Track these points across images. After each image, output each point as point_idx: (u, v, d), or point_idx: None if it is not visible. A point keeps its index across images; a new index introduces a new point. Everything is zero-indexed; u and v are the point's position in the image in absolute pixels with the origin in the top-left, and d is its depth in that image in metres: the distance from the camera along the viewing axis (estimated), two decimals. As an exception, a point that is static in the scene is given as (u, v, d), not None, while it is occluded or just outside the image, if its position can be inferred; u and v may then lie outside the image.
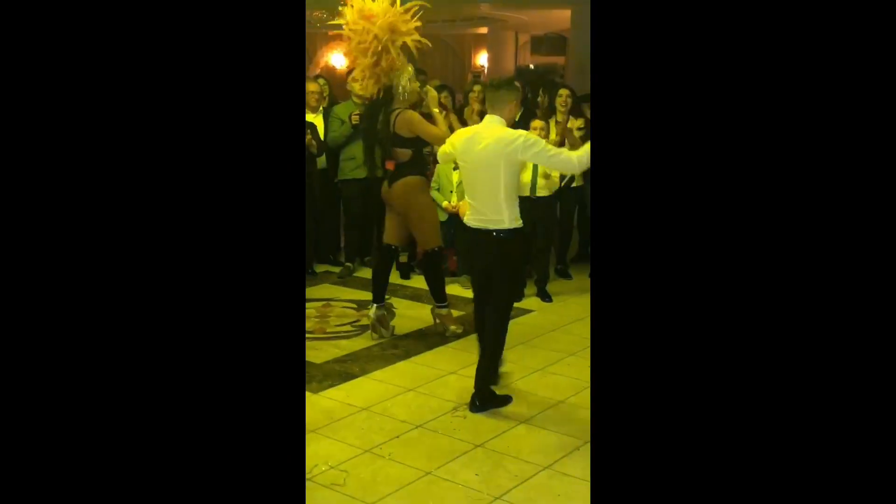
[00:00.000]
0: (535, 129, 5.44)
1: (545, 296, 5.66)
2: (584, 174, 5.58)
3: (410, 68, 4.61)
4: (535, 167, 5.32)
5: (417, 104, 4.78)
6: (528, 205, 5.43)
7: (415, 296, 5.60)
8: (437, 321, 4.93)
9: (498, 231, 3.62)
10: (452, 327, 4.85)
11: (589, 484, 2.72)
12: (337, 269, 6.35)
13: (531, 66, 15.05)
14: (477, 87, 6.21)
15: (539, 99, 6.64)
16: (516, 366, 4.35)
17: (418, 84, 4.65)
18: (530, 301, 5.60)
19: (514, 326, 5.04)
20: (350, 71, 6.59)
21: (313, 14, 10.85)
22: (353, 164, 6.05)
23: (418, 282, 5.94)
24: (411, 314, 5.24)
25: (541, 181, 5.43)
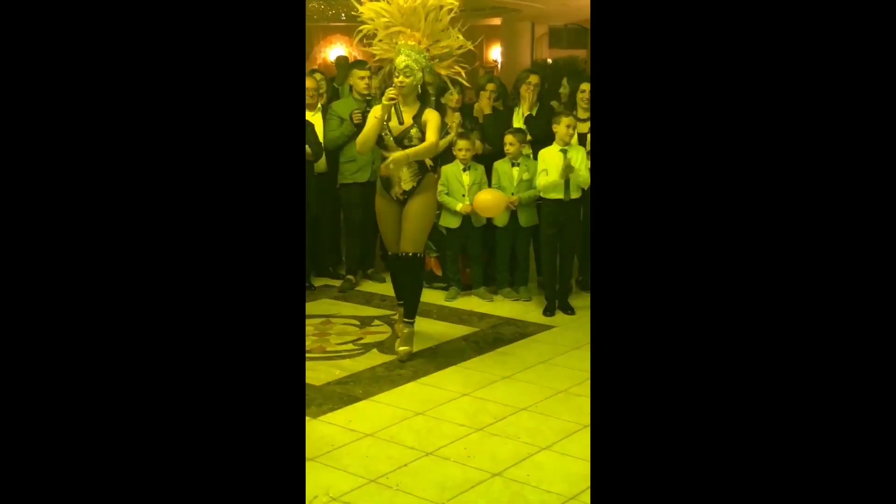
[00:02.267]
0: (567, 126, 5.43)
1: (567, 308, 5.64)
2: None
3: (404, 61, 4.56)
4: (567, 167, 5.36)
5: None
6: (558, 207, 5.49)
7: (424, 311, 5.57)
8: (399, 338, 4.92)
9: None
10: (402, 349, 4.80)
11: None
12: (337, 283, 6.34)
13: (549, 61, 15.07)
14: (490, 86, 6.18)
15: (561, 91, 6.60)
16: (537, 386, 4.32)
17: (403, 77, 4.57)
18: (554, 317, 5.60)
19: (535, 344, 5.09)
20: (354, 62, 6.62)
21: (310, 5, 10.92)
22: (353, 167, 6.05)
23: (427, 296, 5.92)
24: (419, 331, 5.21)
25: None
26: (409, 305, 4.87)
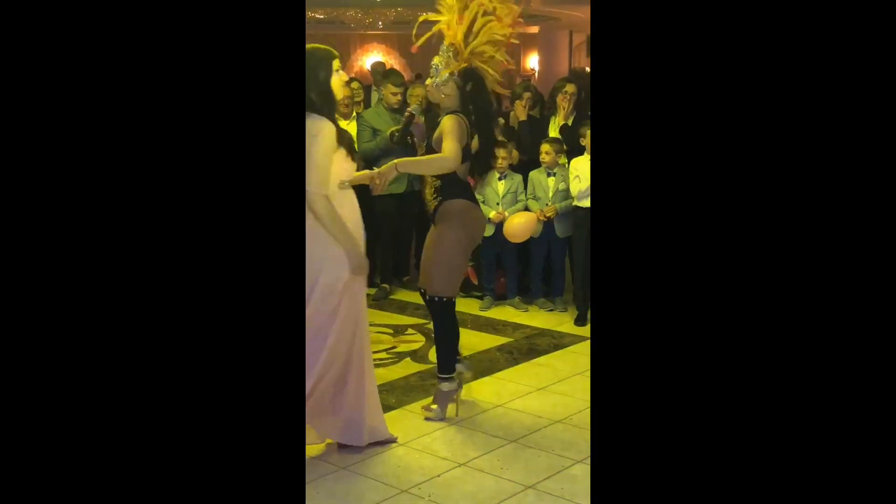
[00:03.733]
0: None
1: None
2: None
3: (434, 61, 3.93)
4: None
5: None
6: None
7: (460, 321, 5.56)
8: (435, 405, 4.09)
9: None
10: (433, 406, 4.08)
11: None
12: (372, 291, 6.36)
13: (587, 69, 15.03)
14: (526, 94, 6.17)
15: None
16: (572, 398, 4.30)
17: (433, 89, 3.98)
18: (588, 327, 5.56)
19: (570, 355, 5.06)
20: (388, 72, 6.64)
21: (347, 13, 11.00)
22: (390, 178, 6.06)
23: (462, 305, 5.91)
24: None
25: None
26: (439, 358, 4.11)
